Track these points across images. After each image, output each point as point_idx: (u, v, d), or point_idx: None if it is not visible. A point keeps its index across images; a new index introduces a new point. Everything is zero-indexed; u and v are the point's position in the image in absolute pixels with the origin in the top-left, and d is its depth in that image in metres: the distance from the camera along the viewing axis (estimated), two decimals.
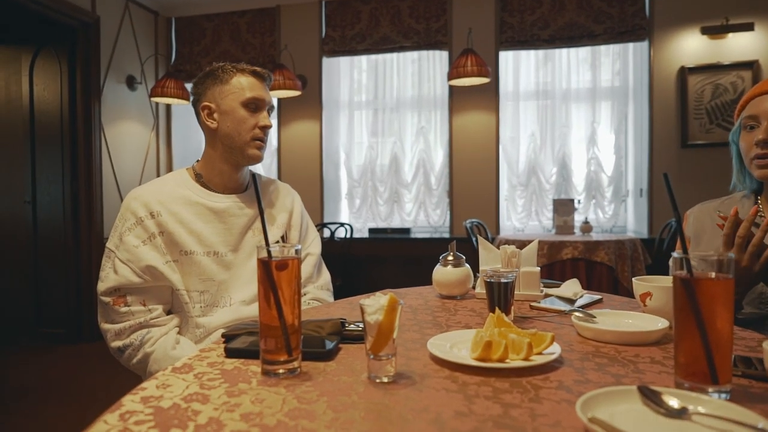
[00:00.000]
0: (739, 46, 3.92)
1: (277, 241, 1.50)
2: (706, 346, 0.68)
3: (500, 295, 1.02)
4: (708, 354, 0.68)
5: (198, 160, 1.50)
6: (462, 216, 4.44)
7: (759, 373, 0.71)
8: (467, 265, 1.36)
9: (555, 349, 0.83)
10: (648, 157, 4.17)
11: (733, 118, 1.33)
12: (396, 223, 4.78)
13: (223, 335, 0.97)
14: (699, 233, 1.35)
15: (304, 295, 1.53)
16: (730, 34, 3.91)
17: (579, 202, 4.33)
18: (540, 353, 0.82)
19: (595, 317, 1.02)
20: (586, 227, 3.75)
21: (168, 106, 5.08)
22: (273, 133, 4.96)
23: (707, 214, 1.36)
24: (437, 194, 4.70)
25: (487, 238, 4.10)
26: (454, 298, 1.34)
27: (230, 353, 0.88)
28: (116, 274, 1.31)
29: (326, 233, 4.48)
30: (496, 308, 0.96)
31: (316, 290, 1.55)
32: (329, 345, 0.88)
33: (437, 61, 4.66)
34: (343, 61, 4.87)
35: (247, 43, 4.97)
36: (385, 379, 0.76)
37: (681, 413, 0.59)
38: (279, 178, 4.86)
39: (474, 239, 3.88)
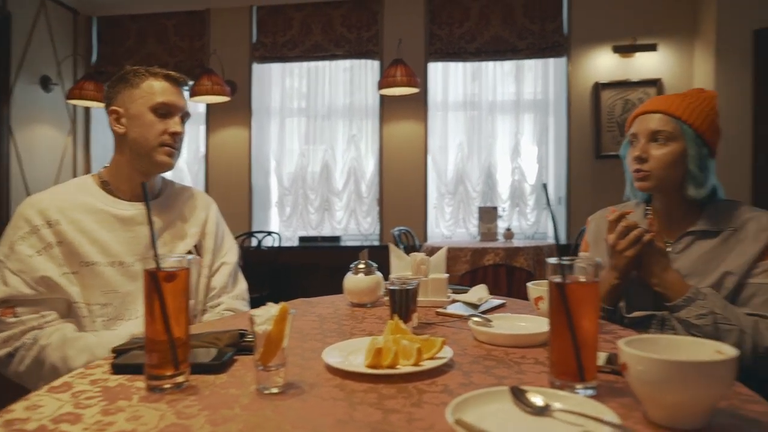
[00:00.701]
0: (645, 64, 4.21)
1: (189, 252, 1.46)
2: (575, 346, 0.72)
3: (401, 302, 1.04)
4: (576, 353, 0.72)
5: (105, 166, 1.44)
6: (392, 224, 4.49)
7: (618, 369, 0.77)
8: (378, 273, 1.37)
9: (446, 354, 0.86)
10: (566, 167, 4.39)
11: (625, 131, 1.43)
12: (326, 231, 4.76)
13: (113, 350, 0.93)
14: (598, 238, 1.44)
15: (218, 305, 1.49)
16: (637, 54, 4.20)
17: (503, 210, 4.48)
18: (432, 358, 0.85)
19: (491, 321, 1.06)
20: (508, 234, 3.89)
21: (87, 110, 4.83)
22: (200, 140, 4.83)
23: (606, 220, 1.45)
24: (368, 202, 4.73)
25: (414, 246, 4.17)
26: (364, 306, 1.35)
27: (117, 369, 0.84)
28: (5, 285, 1.23)
29: (254, 242, 4.40)
30: (395, 315, 0.98)
31: (231, 300, 1.52)
32: (222, 357, 0.86)
33: (369, 70, 4.71)
34: (275, 68, 4.82)
35: (174, 46, 4.82)
36: (275, 390, 0.75)
37: (544, 410, 0.63)
38: (206, 184, 4.72)
39: (402, 246, 3.93)
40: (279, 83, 4.85)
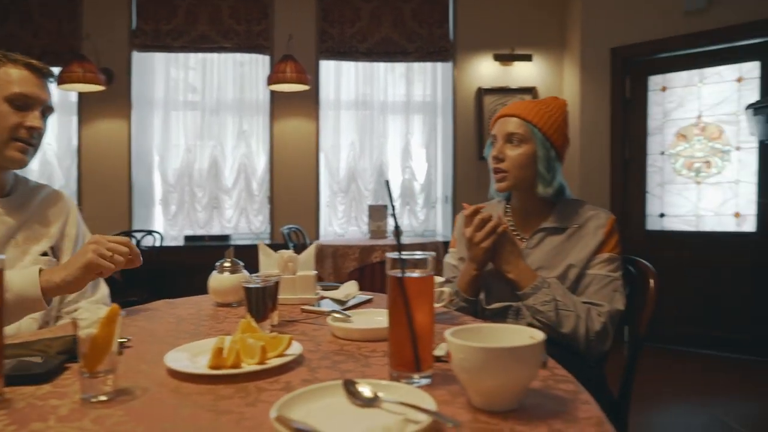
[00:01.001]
0: (522, 73, 4.51)
1: (45, 254, 1.32)
2: (412, 337, 0.74)
3: (257, 301, 1.02)
4: (413, 344, 0.74)
5: None
6: (283, 222, 4.41)
7: (445, 358, 0.80)
8: (245, 271, 1.34)
9: (294, 350, 0.85)
10: (452, 168, 4.58)
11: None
12: (215, 230, 4.58)
13: None
14: (463, 233, 1.51)
15: (75, 311, 1.36)
16: (515, 63, 4.48)
17: (394, 208, 4.57)
18: (280, 355, 0.83)
19: (350, 316, 1.07)
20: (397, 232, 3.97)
21: None
22: (72, 131, 4.42)
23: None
24: (259, 200, 4.61)
25: (305, 244, 4.13)
26: (229, 306, 1.31)
27: None
28: None
29: (132, 242, 4.10)
30: (248, 314, 0.96)
31: (90, 305, 1.39)
32: (47, 366, 0.79)
33: (259, 65, 4.58)
34: (158, 57, 4.53)
35: (40, 28, 4.36)
36: (103, 398, 0.70)
37: (372, 402, 0.64)
38: (79, 180, 4.33)
39: (292, 245, 3.88)
40: (163, 74, 4.57)
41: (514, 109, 1.41)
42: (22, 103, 1.24)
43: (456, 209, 4.57)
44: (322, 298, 1.35)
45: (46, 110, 1.31)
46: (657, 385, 3.04)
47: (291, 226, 4.18)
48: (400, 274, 0.77)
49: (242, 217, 4.60)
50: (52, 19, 4.37)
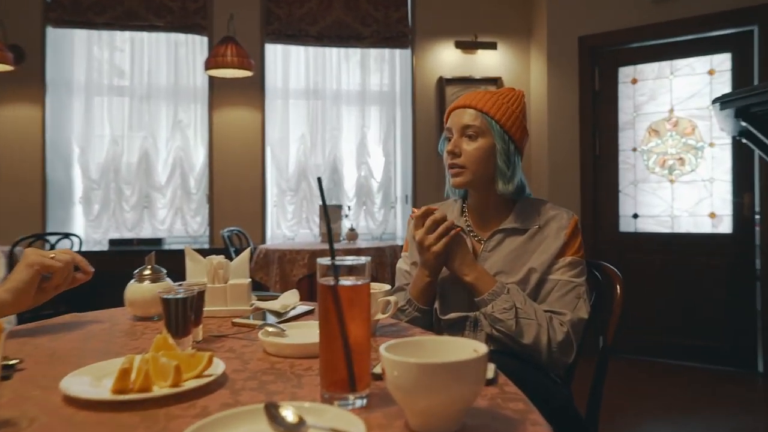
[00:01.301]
0: (486, 62, 4.57)
1: None
2: (346, 353, 0.73)
3: (176, 314, 0.98)
4: (348, 361, 0.73)
5: None
6: (224, 224, 4.33)
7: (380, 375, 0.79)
8: (168, 279, 1.29)
9: (216, 370, 0.82)
10: (412, 164, 4.60)
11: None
12: (146, 232, 4.46)
13: None
14: (413, 237, 1.51)
15: None
16: (479, 51, 4.55)
17: (349, 208, 4.57)
18: (199, 376, 0.80)
19: (285, 331, 1.05)
20: (351, 235, 3.97)
21: None
22: None
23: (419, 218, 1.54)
24: (197, 199, 4.51)
25: (250, 248, 4.06)
26: (150, 320, 1.26)
27: None
28: None
29: (46, 247, 3.94)
30: (164, 329, 0.92)
31: None
32: None
33: (197, 46, 4.49)
34: (79, 35, 4.37)
35: None
36: None
37: (296, 427, 0.62)
38: None
39: (234, 250, 3.81)
40: (84, 54, 4.41)
41: (469, 100, 1.41)
42: None
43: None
44: (258, 309, 1.31)
45: None
46: (628, 399, 3.13)
47: (232, 228, 4.10)
48: (332, 282, 0.75)
49: (177, 219, 4.49)
50: None
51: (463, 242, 1.34)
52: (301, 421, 0.63)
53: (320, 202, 4.55)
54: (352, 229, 4.00)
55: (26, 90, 4.17)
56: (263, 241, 4.47)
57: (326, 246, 3.65)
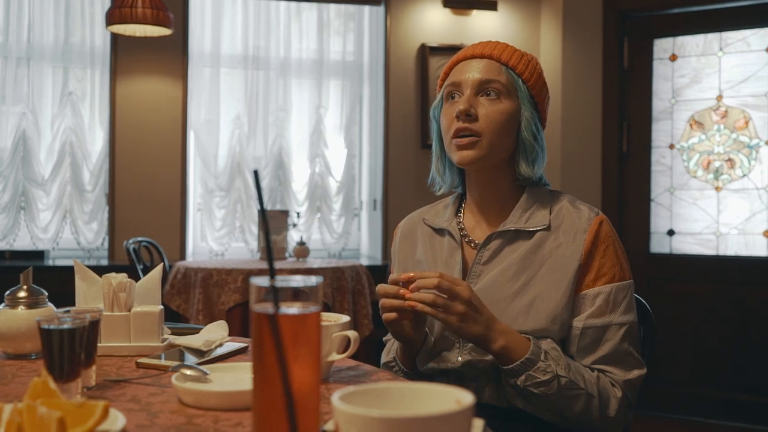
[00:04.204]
0: (483, 27, 4.65)
1: None
2: (288, 404, 0.74)
3: (62, 350, 0.98)
4: (290, 414, 0.74)
5: None
6: (129, 233, 4.28)
7: None
8: (49, 304, 1.29)
9: (113, 426, 0.82)
10: (383, 159, 4.63)
11: (437, 89, 1.52)
12: (23, 243, 4.42)
13: None
14: (409, 251, 1.53)
15: None
16: (474, 11, 4.62)
17: (298, 215, 4.58)
18: None
19: (208, 374, 1.05)
20: (301, 251, 3.97)
21: None
22: None
23: (416, 225, 1.55)
24: (93, 198, 4.48)
25: (165, 266, 4.03)
26: (26, 358, 1.26)
27: None
28: None
29: None
30: (43, 370, 0.92)
31: None
32: None
33: None
34: None
35: None
36: None
37: None
38: None
39: (141, 267, 3.78)
40: None
41: (489, 48, 1.41)
42: None
43: (389, 218, 4.62)
44: (172, 346, 1.32)
45: None
46: None
47: (141, 239, 4.07)
48: (270, 311, 0.76)
49: (65, 225, 4.46)
50: None
51: (466, 304, 1.22)
52: None
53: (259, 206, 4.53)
54: (302, 243, 4.01)
55: None
56: (182, 256, 4.44)
57: (266, 264, 3.65)
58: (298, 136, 4.75)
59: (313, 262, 3.95)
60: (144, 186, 4.42)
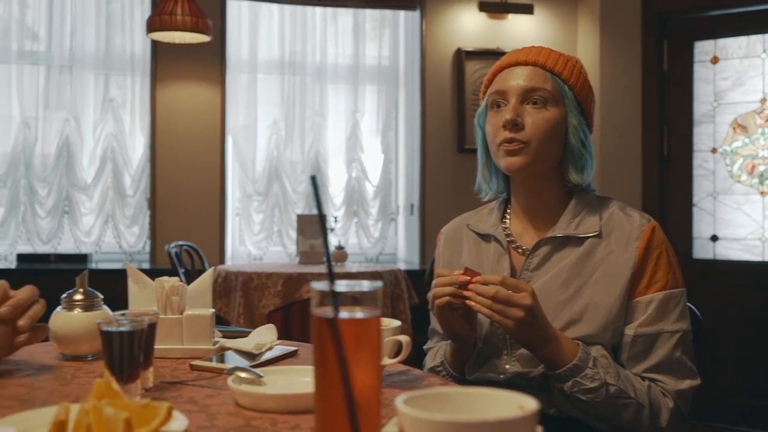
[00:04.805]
0: (519, 30, 4.64)
1: None
2: (349, 407, 0.75)
3: (121, 352, 1.00)
4: (352, 417, 0.75)
5: None
6: (170, 237, 4.35)
7: None
8: (105, 307, 1.31)
9: (177, 426, 0.84)
10: (420, 163, 4.63)
11: (480, 95, 1.52)
12: (67, 246, 4.50)
13: None
14: (454, 255, 1.53)
15: None
16: (510, 15, 4.62)
17: (335, 220, 4.60)
18: None
19: (262, 377, 1.07)
20: (340, 255, 3.99)
21: None
22: None
23: (460, 230, 1.55)
24: (135, 203, 4.55)
25: (202, 270, 4.08)
26: (82, 359, 1.28)
27: None
28: None
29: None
30: (106, 371, 0.94)
31: None
32: None
33: (135, 2, 4.54)
34: None
35: None
36: None
37: None
38: None
39: (183, 271, 3.83)
40: None
41: (533, 55, 1.40)
42: None
43: (426, 223, 4.62)
44: (224, 349, 1.34)
45: None
46: None
47: (182, 243, 4.13)
48: (331, 315, 0.77)
49: (108, 229, 4.54)
50: None
51: (529, 310, 1.20)
52: None
53: (298, 211, 4.57)
54: (340, 247, 4.04)
55: None
56: (222, 260, 4.49)
57: (307, 269, 3.68)
58: (335, 140, 4.78)
59: (351, 266, 3.97)
60: (184, 191, 4.48)
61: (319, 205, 0.86)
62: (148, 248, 4.53)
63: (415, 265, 4.59)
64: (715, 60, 4.12)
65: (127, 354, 1.01)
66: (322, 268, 3.75)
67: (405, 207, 4.82)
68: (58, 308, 1.30)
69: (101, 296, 1.33)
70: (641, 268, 1.34)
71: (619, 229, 1.37)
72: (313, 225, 4.05)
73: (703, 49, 4.15)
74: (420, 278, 4.24)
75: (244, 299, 3.44)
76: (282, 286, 3.43)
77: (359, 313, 0.78)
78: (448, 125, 4.64)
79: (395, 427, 0.84)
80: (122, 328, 1.01)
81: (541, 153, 1.36)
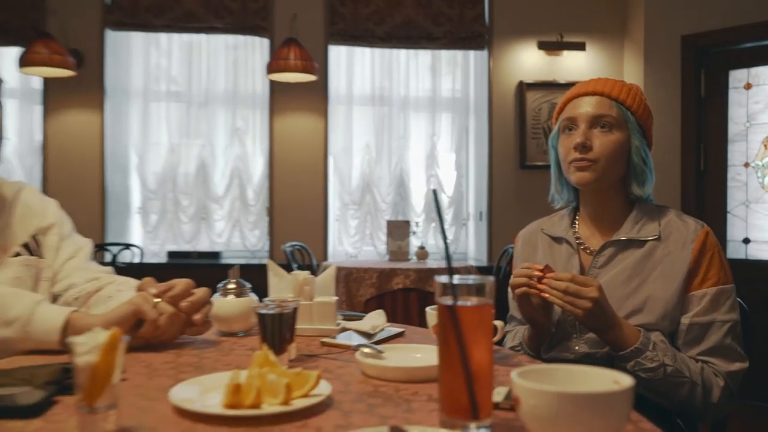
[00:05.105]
0: (573, 65, 4.54)
1: (17, 254, 1.37)
2: (467, 379, 0.76)
3: (273, 330, 1.04)
4: (469, 387, 0.75)
5: None
6: (284, 238, 4.44)
7: (510, 404, 0.81)
8: (252, 294, 1.36)
9: (323, 390, 0.86)
10: (488, 178, 4.59)
11: (552, 121, 1.52)
12: (204, 245, 4.64)
13: None
14: (530, 255, 1.52)
15: (108, 285, 1.40)
16: (565, 52, 4.53)
17: (417, 225, 4.60)
18: (305, 395, 0.85)
19: (383, 352, 1.08)
20: (422, 254, 3.99)
21: None
22: (35, 124, 4.51)
23: (535, 234, 1.54)
24: (255, 211, 4.66)
25: (311, 265, 4.16)
26: (234, 335, 1.33)
27: None
28: None
29: (107, 257, 4.17)
30: (263, 345, 0.97)
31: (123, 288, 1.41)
32: (35, 397, 0.81)
33: (257, 49, 4.67)
34: (136, 38, 4.63)
35: None
36: None
37: None
38: (43, 183, 4.41)
39: (295, 266, 3.90)
40: (142, 58, 4.67)
41: (600, 86, 1.39)
42: None
43: (493, 228, 4.57)
44: (344, 329, 1.36)
45: None
46: None
47: (294, 243, 4.21)
48: (450, 302, 0.78)
49: (235, 231, 4.65)
50: None
51: (596, 301, 1.18)
52: None
53: (386, 218, 4.59)
54: (422, 248, 4.04)
55: (87, 96, 4.44)
56: (325, 257, 4.55)
57: (395, 265, 3.69)
58: (416, 159, 4.78)
59: (431, 263, 3.96)
60: (295, 201, 4.57)
61: (439, 213, 0.87)
62: (266, 247, 4.63)
63: (483, 262, 4.56)
64: (748, 86, 3.93)
65: (278, 332, 1.04)
66: (408, 265, 3.76)
67: (474, 214, 4.78)
68: (216, 294, 1.35)
69: (249, 285, 1.37)
70: (696, 266, 1.31)
71: (676, 233, 1.34)
72: (400, 229, 4.07)
73: (737, 77, 3.96)
74: (488, 273, 4.21)
75: (345, 289, 3.48)
76: (376, 278, 3.46)
77: (474, 302, 0.78)
78: (511, 145, 4.58)
79: (500, 396, 0.85)
80: (274, 311, 1.05)
81: (607, 170, 1.35)
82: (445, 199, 4.74)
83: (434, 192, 0.88)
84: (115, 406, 0.73)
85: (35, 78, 4.37)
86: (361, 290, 3.45)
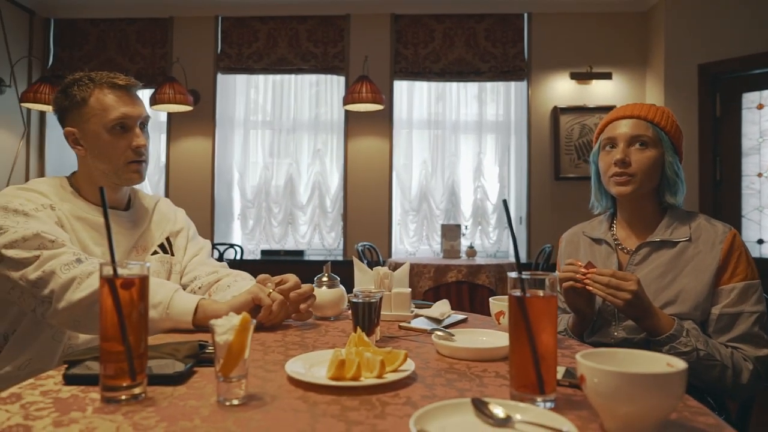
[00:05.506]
0: (601, 91, 4.39)
1: (155, 252, 1.43)
2: (534, 359, 0.74)
3: (364, 316, 1.04)
4: (536, 366, 0.74)
5: (74, 172, 1.39)
6: (356, 239, 4.48)
7: (576, 382, 0.79)
8: (341, 286, 1.37)
9: (409, 366, 0.86)
10: (527, 188, 4.50)
11: (593, 140, 1.48)
12: (290, 245, 4.72)
13: (65, 361, 0.89)
14: (573, 254, 1.48)
15: (225, 277, 1.47)
16: (594, 81, 4.39)
17: (466, 227, 4.55)
18: (395, 370, 0.85)
19: (453, 336, 1.07)
20: (471, 252, 3.94)
21: (42, 113, 4.66)
22: (161, 149, 4.72)
23: (577, 236, 1.50)
24: (332, 217, 4.72)
25: (378, 261, 4.17)
26: (327, 319, 1.34)
27: (69, 380, 0.81)
28: (33, 223, 1.19)
29: (215, 254, 4.30)
30: (358, 327, 0.98)
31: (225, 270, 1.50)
32: (180, 368, 0.84)
33: (334, 85, 4.73)
34: (240, 79, 4.79)
35: (135, 53, 4.72)
36: (235, 402, 0.74)
37: (506, 422, 0.64)
38: (167, 194, 4.61)
39: (365, 262, 3.92)
40: (243, 94, 4.81)
41: (637, 110, 1.34)
42: (122, 126, 1.30)
43: (531, 230, 4.47)
44: (417, 315, 1.35)
45: (145, 121, 1.37)
46: None
47: (365, 243, 4.24)
48: (519, 294, 0.77)
49: (316, 233, 4.72)
50: (145, 44, 4.72)
51: (635, 293, 1.13)
52: (509, 417, 0.64)
53: (441, 222, 4.56)
54: (471, 247, 3.99)
55: (200, 126, 4.62)
56: (389, 255, 4.56)
57: (449, 262, 3.66)
58: (465, 173, 4.73)
59: (479, 260, 3.91)
60: (365, 208, 4.60)
61: (509, 218, 0.85)
62: (341, 246, 4.68)
63: (523, 260, 4.45)
64: (760, 106, 3.70)
65: (368, 317, 1.05)
66: (460, 261, 3.72)
67: (515, 219, 4.69)
68: (313, 285, 1.37)
69: (338, 278, 1.38)
70: (725, 263, 1.24)
71: (705, 235, 1.28)
72: (452, 231, 4.03)
73: (750, 98, 3.74)
74: (527, 269, 4.11)
75: (408, 281, 3.47)
76: (433, 273, 3.44)
77: (541, 293, 0.76)
78: (547, 160, 4.48)
79: (561, 374, 0.82)
80: (366, 300, 1.05)
81: (644, 182, 1.31)
82: (489, 207, 4.66)
83: (504, 202, 0.86)
84: (246, 376, 0.75)
85: (162, 113, 4.58)
86: (421, 282, 3.43)
